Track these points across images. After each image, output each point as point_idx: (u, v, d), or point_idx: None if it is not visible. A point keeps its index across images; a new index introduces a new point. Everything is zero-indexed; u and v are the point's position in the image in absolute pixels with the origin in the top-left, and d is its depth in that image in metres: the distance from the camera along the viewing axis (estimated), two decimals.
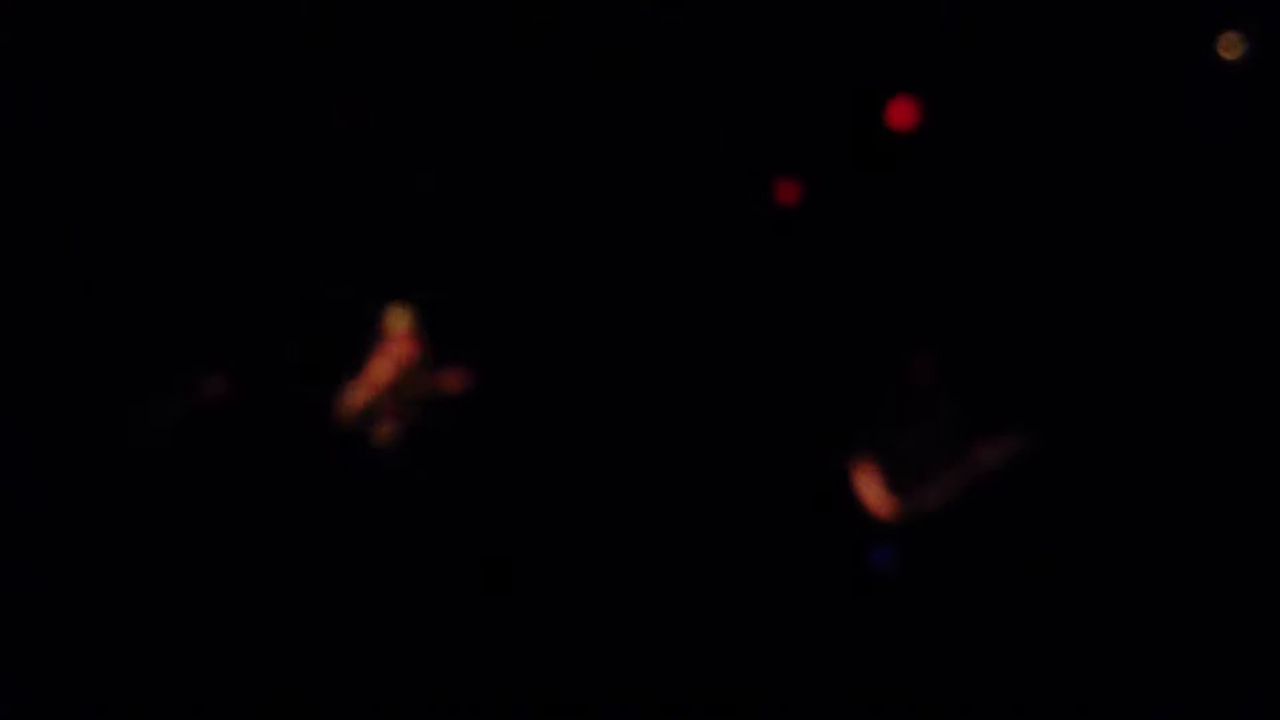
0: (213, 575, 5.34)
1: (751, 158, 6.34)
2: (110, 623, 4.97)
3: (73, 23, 5.79)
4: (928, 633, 4.97)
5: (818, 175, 6.29)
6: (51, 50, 5.77)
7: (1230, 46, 5.50)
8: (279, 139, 6.19)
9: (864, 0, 6.01)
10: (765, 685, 4.90)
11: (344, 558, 5.46)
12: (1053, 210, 5.82)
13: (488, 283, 6.31)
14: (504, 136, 6.34)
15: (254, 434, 5.79)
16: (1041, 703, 4.67)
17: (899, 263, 6.09)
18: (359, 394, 5.59)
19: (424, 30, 6.11)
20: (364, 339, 5.73)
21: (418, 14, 6.07)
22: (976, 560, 5.10)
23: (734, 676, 4.96)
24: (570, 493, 5.94)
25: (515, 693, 4.75)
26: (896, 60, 6.07)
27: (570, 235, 6.40)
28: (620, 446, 6.09)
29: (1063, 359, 5.61)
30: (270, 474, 5.72)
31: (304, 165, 6.25)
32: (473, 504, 5.80)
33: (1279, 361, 5.34)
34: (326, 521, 5.58)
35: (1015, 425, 5.06)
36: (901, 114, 6.06)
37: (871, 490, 5.16)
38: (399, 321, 5.69)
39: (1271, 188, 5.50)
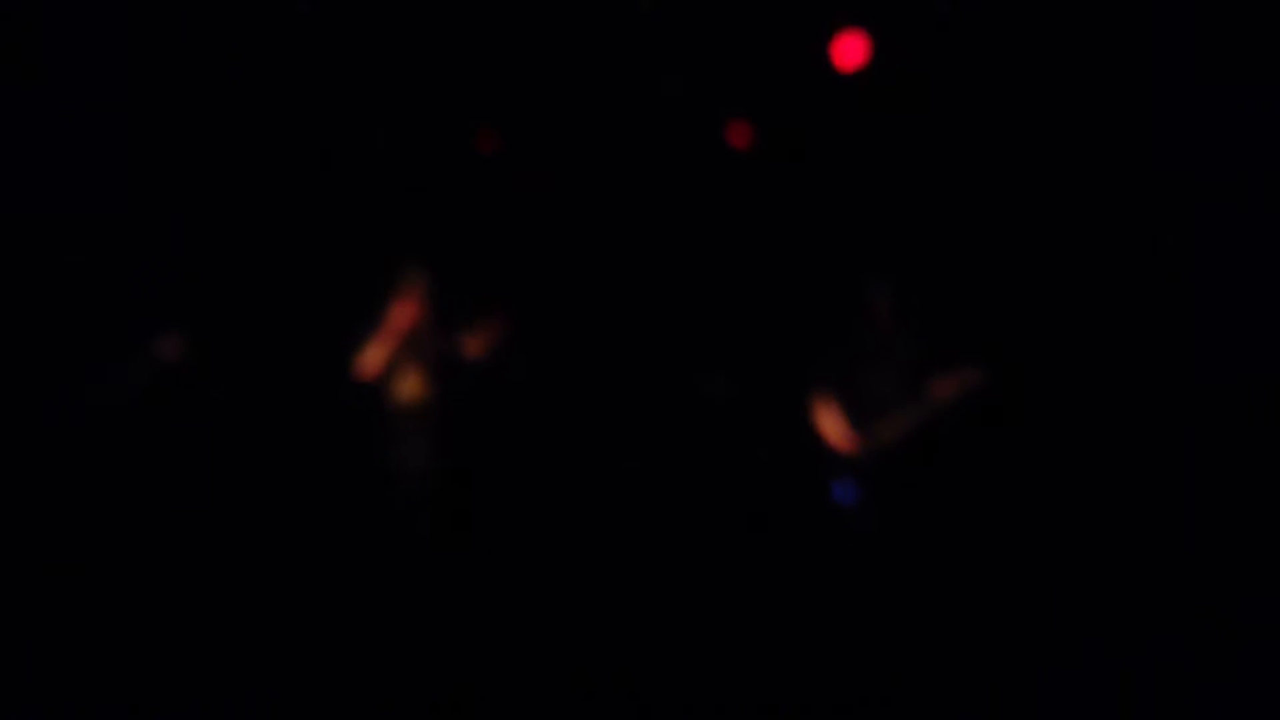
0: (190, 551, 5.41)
1: (702, 101, 6.35)
2: (76, 603, 4.99)
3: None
4: (890, 566, 5.05)
5: (768, 117, 6.31)
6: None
7: None
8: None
9: None
10: (731, 621, 5.02)
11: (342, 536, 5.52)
12: (1007, 146, 5.84)
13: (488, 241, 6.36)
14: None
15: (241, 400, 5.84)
16: (1001, 636, 4.76)
17: (854, 201, 6.11)
18: (375, 353, 5.50)
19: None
20: (377, 299, 5.63)
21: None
22: (936, 492, 5.16)
23: (703, 613, 5.08)
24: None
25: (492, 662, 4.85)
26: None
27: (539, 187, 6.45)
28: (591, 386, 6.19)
29: (1018, 292, 5.67)
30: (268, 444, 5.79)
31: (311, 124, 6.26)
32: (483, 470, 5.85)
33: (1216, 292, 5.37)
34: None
35: (972, 359, 5.10)
36: (850, 51, 6.04)
37: (832, 425, 5.22)
38: (411, 283, 5.60)
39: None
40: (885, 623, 4.89)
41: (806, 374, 5.34)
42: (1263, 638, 4.47)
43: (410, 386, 5.60)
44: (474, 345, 5.53)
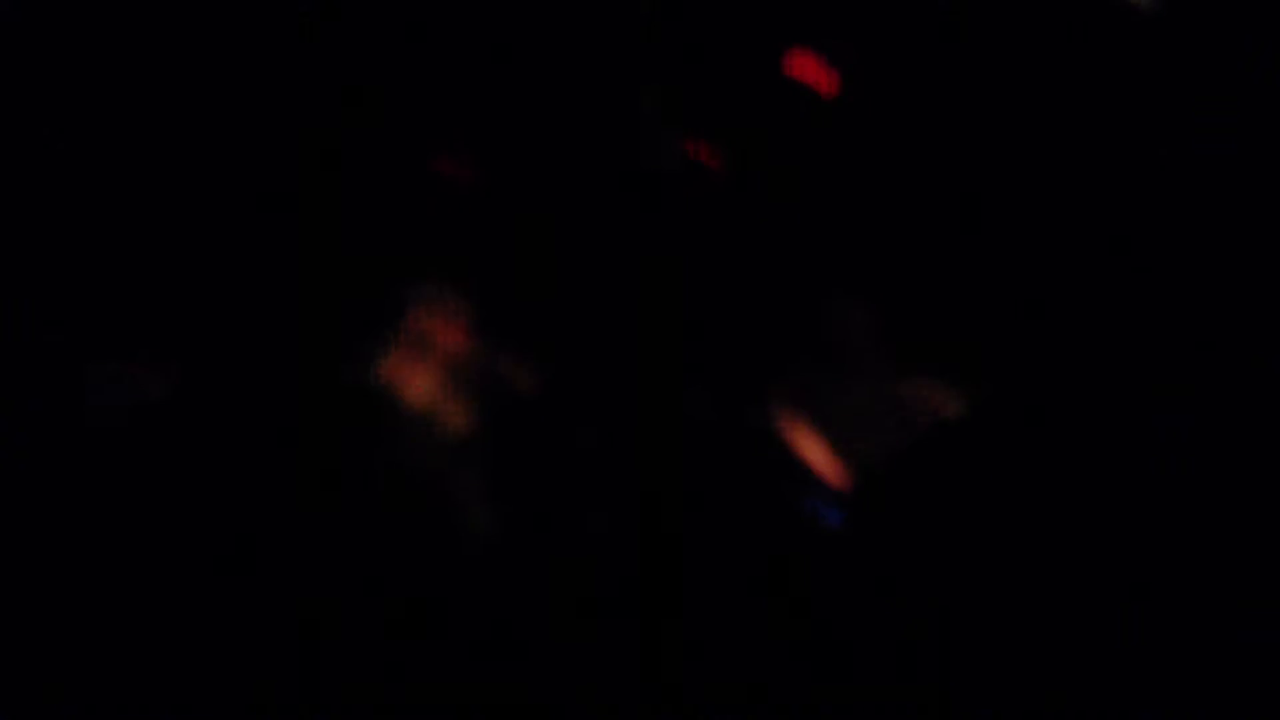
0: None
1: (671, 115, 6.32)
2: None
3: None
4: (882, 588, 5.03)
5: (733, 134, 6.28)
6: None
7: None
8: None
9: None
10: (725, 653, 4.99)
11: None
12: (984, 150, 5.82)
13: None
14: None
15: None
16: (1000, 657, 4.76)
17: (823, 212, 6.09)
18: (411, 379, 5.39)
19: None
20: (409, 322, 5.54)
21: None
22: (926, 512, 5.14)
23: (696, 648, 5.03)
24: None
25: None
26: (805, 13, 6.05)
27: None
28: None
29: (1000, 303, 5.64)
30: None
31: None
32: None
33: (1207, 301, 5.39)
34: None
35: (953, 374, 5.08)
36: (807, 68, 6.04)
37: (815, 453, 5.16)
38: (448, 303, 5.51)
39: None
40: (880, 649, 4.86)
41: (774, 392, 5.29)
42: None
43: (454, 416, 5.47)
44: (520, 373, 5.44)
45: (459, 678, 4.97)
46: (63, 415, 5.36)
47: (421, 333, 5.40)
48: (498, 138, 6.25)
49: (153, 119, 5.85)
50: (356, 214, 6.03)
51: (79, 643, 4.89)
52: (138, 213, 5.79)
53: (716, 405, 6.05)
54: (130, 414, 5.37)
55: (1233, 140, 5.43)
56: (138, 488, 5.28)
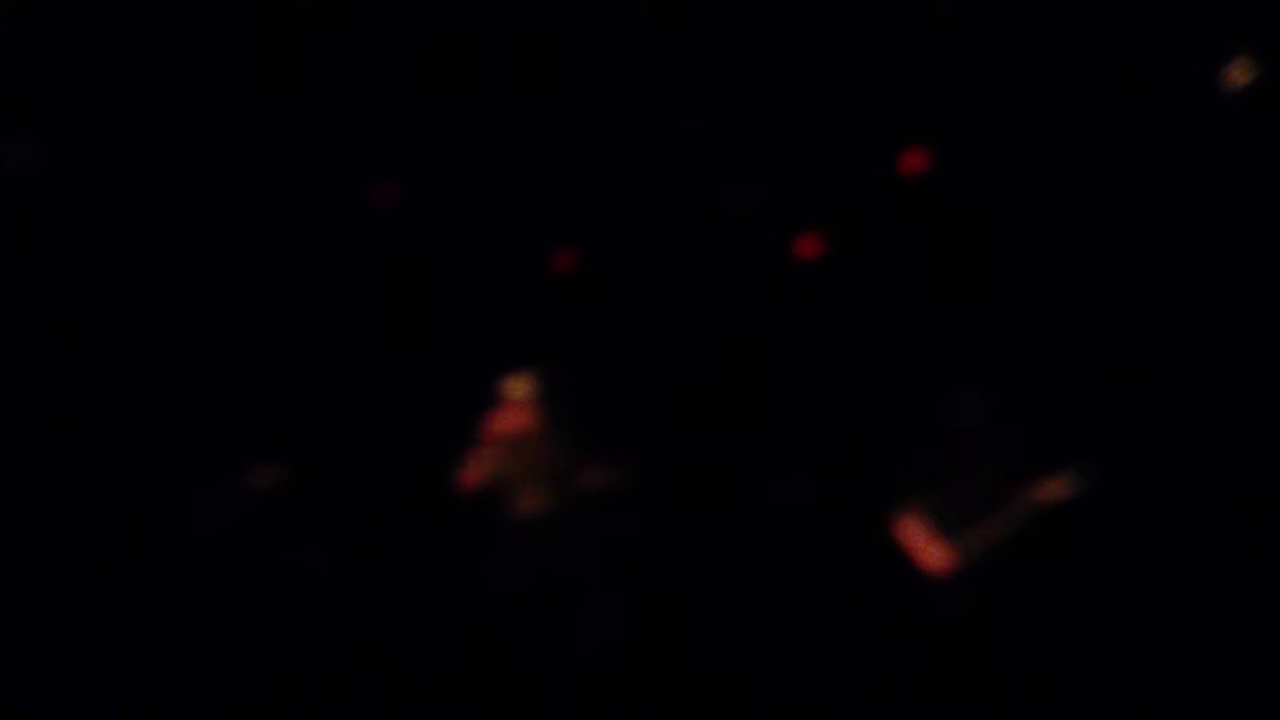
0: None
1: (769, 214, 6.39)
2: None
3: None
4: (995, 677, 4.95)
5: (837, 227, 6.33)
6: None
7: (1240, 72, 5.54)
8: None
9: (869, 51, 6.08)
10: None
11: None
12: (1082, 241, 5.83)
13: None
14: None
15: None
16: None
17: (933, 305, 6.11)
18: (481, 463, 5.34)
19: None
20: (480, 405, 5.49)
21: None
22: (1035, 602, 5.07)
23: None
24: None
25: None
26: (903, 106, 6.13)
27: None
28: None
29: (1104, 392, 5.61)
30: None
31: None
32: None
33: None
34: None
35: (1063, 463, 5.03)
36: (913, 161, 6.10)
37: (920, 541, 5.12)
38: (518, 389, 5.46)
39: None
40: None
41: (890, 483, 5.27)
42: None
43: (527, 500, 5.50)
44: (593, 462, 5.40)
45: None
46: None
47: (508, 432, 5.44)
48: (608, 232, 6.39)
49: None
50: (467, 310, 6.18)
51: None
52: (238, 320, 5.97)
53: (818, 494, 6.07)
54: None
55: None
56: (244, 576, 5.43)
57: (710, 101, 6.20)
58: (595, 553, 5.57)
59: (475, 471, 5.37)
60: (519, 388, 5.46)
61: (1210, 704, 4.75)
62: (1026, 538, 5.02)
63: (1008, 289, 5.94)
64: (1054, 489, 4.95)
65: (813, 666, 5.48)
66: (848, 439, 6.08)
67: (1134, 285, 5.70)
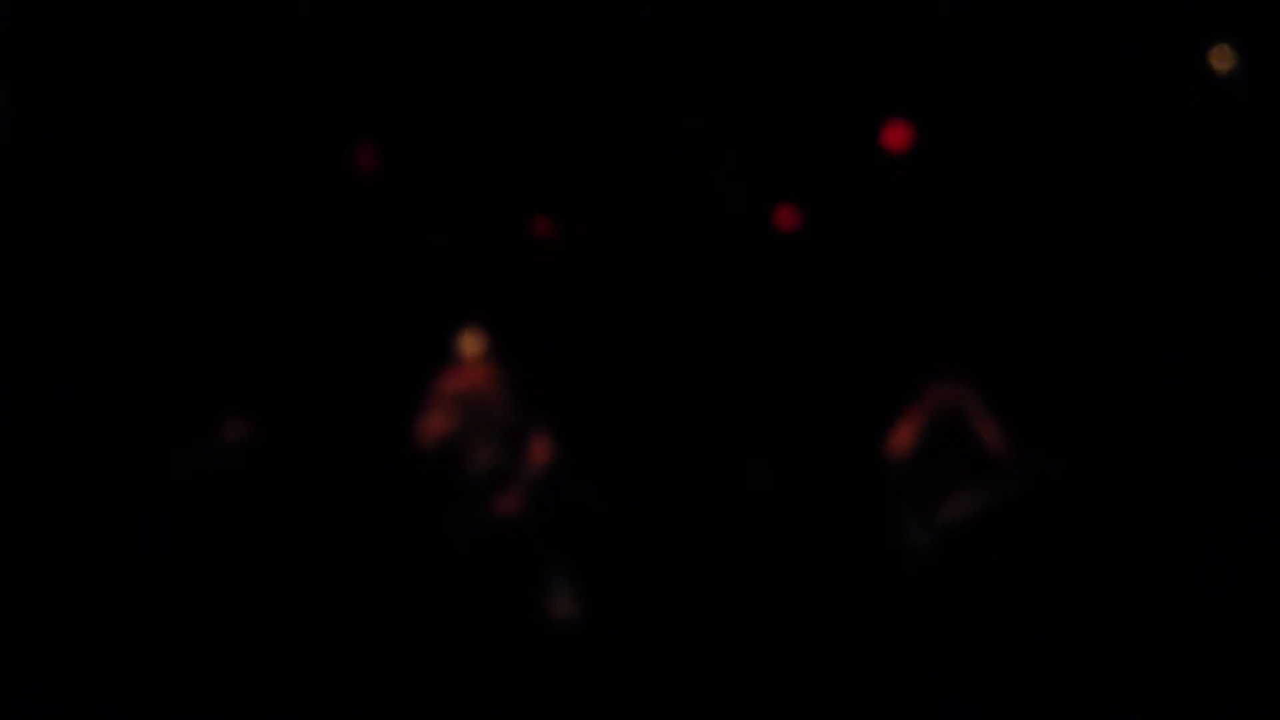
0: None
1: (752, 186, 6.40)
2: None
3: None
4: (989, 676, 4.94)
5: (816, 200, 6.33)
6: None
7: (1222, 59, 5.52)
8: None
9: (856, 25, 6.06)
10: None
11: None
12: (1065, 223, 5.85)
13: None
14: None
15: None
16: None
17: (912, 283, 6.11)
18: (436, 422, 5.38)
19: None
20: (433, 364, 5.51)
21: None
22: (1034, 601, 5.05)
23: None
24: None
25: None
26: (888, 80, 6.13)
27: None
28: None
29: (1086, 375, 5.64)
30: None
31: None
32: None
33: None
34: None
35: (1044, 442, 5.05)
36: (896, 135, 6.09)
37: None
38: (472, 346, 5.47)
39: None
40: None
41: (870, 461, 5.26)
42: None
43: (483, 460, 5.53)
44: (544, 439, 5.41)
45: None
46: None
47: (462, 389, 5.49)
48: (591, 201, 6.42)
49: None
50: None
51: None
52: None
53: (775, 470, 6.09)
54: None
55: None
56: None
57: (692, 73, 6.21)
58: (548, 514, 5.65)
59: (432, 426, 5.41)
60: (472, 345, 5.52)
61: (1210, 704, 4.74)
62: (1013, 531, 5.06)
63: (999, 276, 5.95)
64: (1032, 467, 4.98)
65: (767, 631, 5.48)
66: (811, 417, 6.10)
67: (1130, 272, 5.73)
